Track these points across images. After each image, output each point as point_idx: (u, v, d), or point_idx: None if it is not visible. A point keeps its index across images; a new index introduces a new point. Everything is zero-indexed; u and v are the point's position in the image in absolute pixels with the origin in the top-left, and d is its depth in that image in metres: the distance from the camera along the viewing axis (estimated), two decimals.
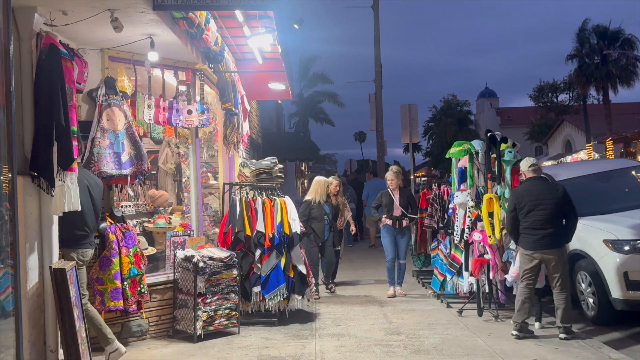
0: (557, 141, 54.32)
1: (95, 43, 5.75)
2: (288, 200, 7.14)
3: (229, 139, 8.30)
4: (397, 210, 8.47)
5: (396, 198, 8.50)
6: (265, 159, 8.33)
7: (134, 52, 6.11)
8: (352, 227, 9.67)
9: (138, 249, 5.99)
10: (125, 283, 5.78)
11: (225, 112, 8.03)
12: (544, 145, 64.71)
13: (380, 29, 18.39)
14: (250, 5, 4.81)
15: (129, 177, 5.84)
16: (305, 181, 33.02)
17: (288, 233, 6.90)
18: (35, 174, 4.49)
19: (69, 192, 4.62)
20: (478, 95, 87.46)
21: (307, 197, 8.61)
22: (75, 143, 4.70)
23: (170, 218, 7.27)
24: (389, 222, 8.48)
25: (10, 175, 3.60)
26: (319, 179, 8.76)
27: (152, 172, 9.39)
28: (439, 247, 8.49)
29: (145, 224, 7.03)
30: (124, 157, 5.81)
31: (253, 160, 8.90)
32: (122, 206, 7.00)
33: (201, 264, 6.16)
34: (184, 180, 7.31)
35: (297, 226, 7.00)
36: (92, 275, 5.75)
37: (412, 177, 17.39)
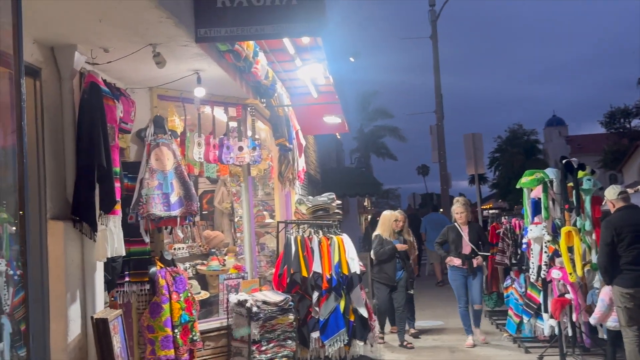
0: (633, 168, 51.90)
1: (143, 82, 5.61)
2: (346, 238, 6.71)
3: (284, 175, 8.01)
4: (467, 248, 7.62)
5: (465, 233, 7.68)
6: (322, 195, 7.97)
7: (182, 90, 5.94)
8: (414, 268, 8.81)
9: (189, 294, 5.69)
10: (176, 330, 5.47)
11: (279, 148, 7.76)
12: (618, 173, 61.63)
13: (439, 59, 17.97)
14: (296, 32, 4.51)
15: (178, 219, 5.58)
16: (369, 217, 32.45)
17: (347, 273, 6.46)
18: (77, 218, 4.29)
19: (111, 237, 4.38)
20: (545, 123, 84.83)
21: (376, 232, 8.03)
22: (118, 185, 4.48)
23: (224, 260, 6.97)
24: (458, 262, 7.65)
25: (24, 221, 3.37)
26: (386, 213, 8.17)
27: (205, 212, 9.22)
28: (513, 286, 7.82)
29: (199, 267, 6.75)
30: (173, 198, 5.57)
31: (310, 197, 8.56)
32: (175, 249, 6.77)
33: (255, 309, 5.80)
34: (236, 220, 7.04)
35: (356, 266, 6.55)
36: (142, 322, 5.49)
37: (479, 209, 16.65)
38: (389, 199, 60.41)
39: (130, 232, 5.52)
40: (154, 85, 5.72)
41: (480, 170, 10.79)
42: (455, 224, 7.88)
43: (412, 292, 8.14)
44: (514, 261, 7.81)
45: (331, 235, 6.68)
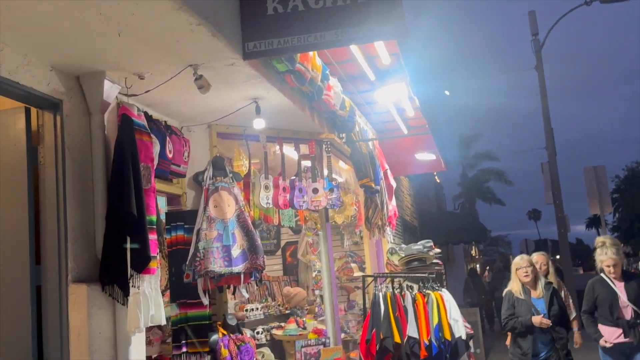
0: None
1: (196, 117, 4.89)
2: (447, 295, 5.52)
3: (372, 221, 6.98)
4: (627, 310, 5.48)
5: (621, 290, 5.52)
6: (418, 242, 6.83)
7: (245, 126, 5.17)
8: (578, 340, 6.37)
9: None
10: None
11: (364, 191, 6.78)
12: None
13: (547, 90, 16.42)
14: (364, 36, 3.58)
15: (242, 275, 4.70)
16: (478, 265, 30.38)
17: (449, 339, 5.23)
18: (106, 279, 3.51)
19: (145, 302, 3.54)
20: None
21: (508, 288, 5.98)
22: (153, 237, 3.68)
23: (304, 322, 6.00)
24: (616, 337, 5.43)
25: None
26: (517, 259, 6.04)
27: (289, 265, 8.34)
28: None
29: (274, 331, 5.81)
30: (235, 251, 4.70)
31: (403, 246, 7.45)
32: (247, 310, 5.89)
33: None
34: (314, 274, 6.06)
35: (461, 329, 5.32)
36: None
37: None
38: (499, 245, 57.24)
39: (187, 293, 4.73)
40: (210, 121, 4.98)
41: (607, 209, 9.20)
42: (604, 276, 5.68)
43: None
44: None
45: (428, 292, 5.52)
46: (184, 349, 4.66)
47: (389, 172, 7.69)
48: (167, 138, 4.38)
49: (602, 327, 5.59)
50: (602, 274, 5.68)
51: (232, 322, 4.82)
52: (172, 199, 4.98)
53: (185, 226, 4.86)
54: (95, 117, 3.70)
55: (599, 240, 5.76)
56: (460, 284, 16.07)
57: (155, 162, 3.91)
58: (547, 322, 5.51)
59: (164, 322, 3.76)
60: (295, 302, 6.70)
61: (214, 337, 4.68)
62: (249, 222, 4.85)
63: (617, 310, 5.50)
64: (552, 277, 6.06)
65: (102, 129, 3.72)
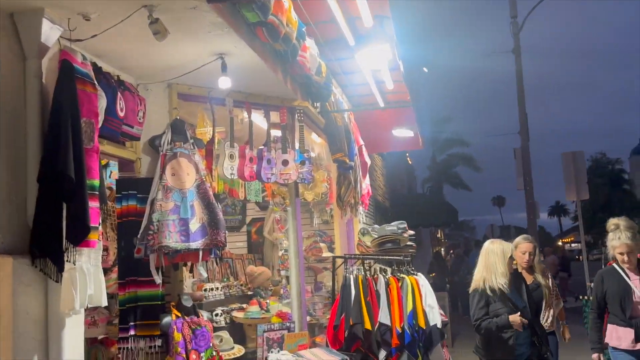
0: None
1: (155, 74, 4.35)
2: (422, 279, 5.15)
3: (344, 199, 6.55)
4: None
5: (636, 283, 4.62)
6: (391, 223, 6.44)
7: (210, 88, 4.65)
8: (565, 334, 5.75)
9: (214, 353, 4.30)
10: None
11: (337, 166, 6.34)
12: None
13: (523, 75, 16.17)
14: None
15: (200, 252, 4.22)
16: (443, 249, 30.34)
17: (424, 327, 4.87)
18: (38, 251, 2.99)
19: (83, 279, 3.05)
20: (631, 152, 79.90)
21: (475, 285, 4.72)
22: (95, 204, 3.17)
23: (267, 304, 5.55)
24: (630, 342, 4.53)
25: None
26: (493, 246, 4.76)
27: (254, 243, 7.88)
28: None
29: (234, 313, 5.36)
30: (194, 225, 4.22)
31: (376, 226, 7.06)
32: (206, 290, 5.42)
33: None
34: (280, 254, 5.61)
35: (436, 316, 4.96)
36: None
37: (561, 242, 14.78)
38: (463, 230, 57.77)
39: (138, 270, 4.25)
40: (170, 79, 4.44)
41: (584, 196, 8.94)
42: (616, 266, 4.76)
43: None
44: None
45: (402, 276, 5.13)
46: (132, 332, 4.19)
47: (364, 148, 7.26)
48: (119, 94, 3.85)
49: (614, 328, 4.67)
50: (614, 264, 4.79)
51: (188, 303, 4.34)
52: (124, 164, 4.46)
53: (138, 195, 4.36)
54: (31, 62, 3.15)
55: (611, 222, 4.83)
56: (426, 267, 15.91)
57: (101, 118, 3.38)
58: (524, 321, 4.48)
59: (104, 304, 3.28)
60: (259, 283, 6.25)
61: (167, 319, 4.21)
62: (210, 193, 4.37)
63: (630, 307, 4.57)
64: (538, 266, 5.45)
65: (39, 77, 3.18)
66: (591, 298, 5.02)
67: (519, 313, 4.48)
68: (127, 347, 4.17)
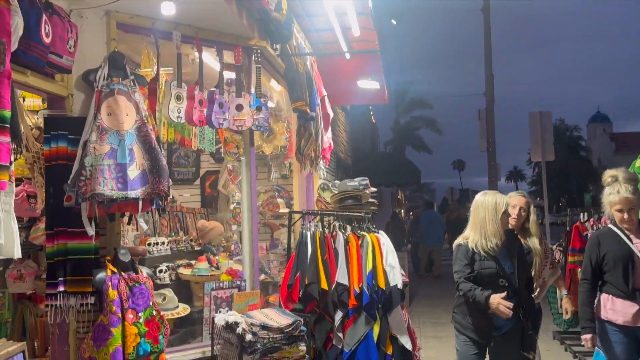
0: None
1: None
2: (384, 237, 4.82)
3: (304, 152, 6.14)
4: None
5: (638, 246, 3.99)
6: (353, 179, 6.09)
7: (154, 19, 4.12)
8: (567, 307, 5.03)
9: (154, 312, 3.90)
10: None
11: (297, 116, 5.91)
12: None
13: (491, 35, 15.87)
14: None
15: (140, 202, 3.77)
16: (402, 211, 30.42)
17: (383, 287, 4.56)
18: None
19: None
20: (589, 120, 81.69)
21: (465, 239, 4.18)
22: (6, 139, 2.69)
23: (217, 261, 5.17)
24: (631, 317, 3.96)
25: None
26: (484, 199, 4.14)
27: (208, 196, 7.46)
28: None
29: (181, 270, 4.96)
30: (133, 172, 3.76)
31: (336, 182, 6.71)
32: (150, 244, 4.99)
33: (249, 337, 3.97)
34: (232, 207, 5.19)
35: (397, 277, 4.65)
36: (82, 353, 3.74)
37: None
38: (423, 192, 58.26)
39: (68, 220, 3.79)
40: (107, 4, 3.89)
41: (550, 157, 8.76)
42: (613, 227, 4.13)
43: (531, 357, 4.16)
44: None
45: (363, 233, 4.79)
46: (62, 288, 3.76)
47: (326, 99, 6.82)
48: (44, 17, 3.32)
49: (609, 299, 4.04)
50: (610, 225, 4.17)
51: (125, 258, 3.91)
52: (54, 100, 3.94)
53: (70, 136, 3.86)
54: None
55: (608, 174, 4.19)
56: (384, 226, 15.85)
57: (15, 38, 2.86)
58: (508, 305, 3.84)
59: (17, 256, 2.83)
60: (209, 238, 5.86)
61: (100, 275, 3.78)
62: (153, 137, 3.90)
63: (635, 275, 3.93)
64: (533, 227, 4.65)
65: None
66: (583, 265, 4.25)
67: (504, 294, 3.85)
68: (56, 305, 3.74)
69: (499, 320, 4.01)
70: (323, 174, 6.80)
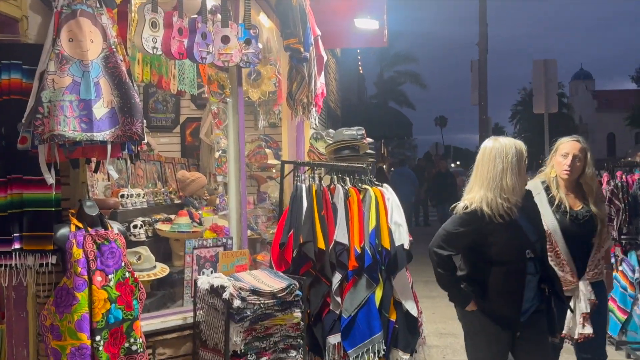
0: None
1: None
2: (388, 192, 4.31)
3: (296, 97, 5.54)
4: None
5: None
6: (350, 128, 5.54)
7: None
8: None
9: (127, 274, 3.36)
10: (98, 337, 3.18)
11: (289, 56, 5.29)
12: None
13: None
14: None
15: (109, 146, 3.18)
16: (385, 166, 30.05)
17: (388, 247, 4.07)
18: None
19: None
20: (572, 77, 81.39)
21: (471, 201, 3.26)
22: None
23: (200, 216, 4.63)
24: None
25: None
26: (499, 145, 3.25)
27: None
28: (620, 269, 5.46)
29: (159, 225, 4.41)
30: (99, 110, 3.16)
31: (330, 131, 6.15)
32: (124, 196, 4.42)
33: (237, 303, 3.46)
34: (216, 156, 4.60)
35: (404, 236, 4.17)
36: (42, 320, 3.22)
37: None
38: (405, 149, 57.97)
39: (23, 165, 3.21)
40: None
41: (553, 109, 8.26)
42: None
43: (557, 339, 3.54)
44: (624, 233, 5.40)
45: (365, 187, 4.27)
46: (17, 245, 3.20)
47: (320, 40, 6.18)
48: None
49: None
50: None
51: (93, 211, 3.35)
52: (5, 23, 3.29)
53: (24, 67, 3.25)
54: None
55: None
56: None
57: None
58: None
59: None
60: (191, 190, 5.30)
61: (63, 230, 3.23)
62: (123, 69, 3.27)
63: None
64: (591, 182, 3.72)
65: None
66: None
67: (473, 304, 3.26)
68: (11, 265, 3.19)
69: (522, 304, 3.23)
70: (315, 123, 6.22)
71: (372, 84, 42.29)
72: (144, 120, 3.32)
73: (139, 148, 3.45)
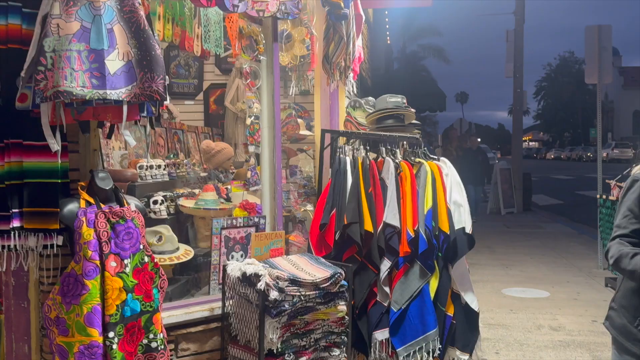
0: None
1: None
2: (447, 167, 3.73)
3: (332, 60, 4.95)
4: None
5: None
6: (395, 95, 4.94)
7: None
8: None
9: (147, 258, 2.86)
10: (111, 334, 2.69)
11: (327, 12, 4.69)
12: None
13: None
14: None
15: (125, 107, 2.64)
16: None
17: (447, 231, 3.51)
18: None
19: None
20: None
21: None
22: None
23: (228, 191, 4.09)
24: None
25: None
26: None
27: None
28: None
29: (182, 201, 3.89)
30: (114, 63, 2.62)
31: (370, 99, 5.56)
32: (143, 167, 3.91)
33: (274, 294, 2.94)
34: (248, 122, 4.04)
35: (465, 218, 3.60)
36: (46, 311, 2.73)
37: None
38: (426, 125, 56.94)
39: (24, 128, 2.70)
40: None
41: (608, 79, 7.56)
42: None
43: None
44: None
45: (419, 160, 3.70)
46: (16, 223, 2.72)
47: None
48: None
49: None
50: None
51: (106, 184, 2.83)
52: None
53: (25, 10, 2.75)
54: None
55: None
56: None
57: None
58: None
59: None
60: (217, 162, 4.77)
61: (71, 206, 2.74)
62: (142, 14, 2.72)
63: None
64: None
65: None
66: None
67: None
68: (10, 246, 2.70)
69: None
70: (352, 90, 5.63)
71: (393, 59, 41.37)
72: (167, 77, 2.78)
73: (160, 110, 2.92)
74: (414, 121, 4.90)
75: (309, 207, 5.69)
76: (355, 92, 5.68)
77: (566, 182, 24.37)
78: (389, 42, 15.18)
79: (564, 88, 66.20)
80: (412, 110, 4.99)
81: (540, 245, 9.27)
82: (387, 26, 14.31)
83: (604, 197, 6.63)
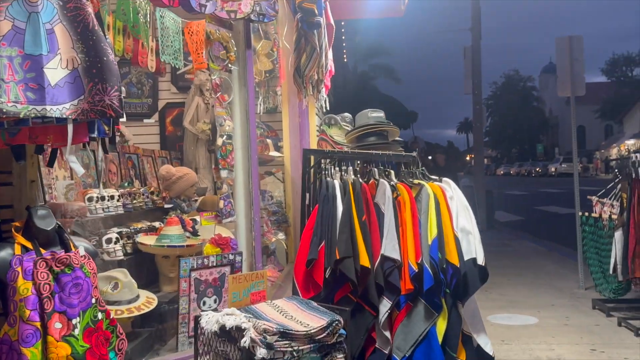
0: (634, 118, 50.71)
1: None
2: (451, 189, 3.28)
3: (305, 72, 4.50)
4: None
5: None
6: (373, 109, 4.51)
7: None
8: None
9: (100, 314, 2.28)
10: None
11: (298, 20, 4.26)
12: (616, 124, 59.21)
13: None
14: None
15: (70, 126, 2.08)
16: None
17: (456, 264, 3.04)
18: None
19: None
20: (541, 70, 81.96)
21: None
22: None
23: (193, 224, 3.53)
24: None
25: None
26: None
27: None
28: None
29: (141, 238, 3.30)
30: (55, 72, 2.07)
31: (347, 115, 5.14)
32: (92, 199, 3.31)
33: (262, 353, 2.39)
34: (220, 143, 3.48)
35: (475, 248, 3.14)
36: None
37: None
38: None
39: None
40: None
41: (580, 92, 7.35)
42: None
43: None
44: None
45: (418, 182, 3.24)
46: None
47: (328, 6, 5.14)
48: None
49: None
50: None
51: (48, 223, 2.25)
52: None
53: None
54: None
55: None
56: None
57: None
58: None
59: None
60: (178, 190, 4.20)
61: (2, 253, 2.14)
62: (90, 11, 2.18)
63: None
64: None
65: None
66: None
67: None
68: None
69: None
70: (325, 106, 5.17)
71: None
72: (122, 89, 2.23)
73: (115, 129, 2.36)
74: (397, 138, 4.47)
75: (281, 236, 5.16)
76: (328, 107, 5.22)
77: (522, 198, 24.51)
78: (345, 60, 14.85)
79: (511, 105, 67.94)
80: (396, 127, 4.55)
81: (512, 265, 8.97)
82: (344, 44, 14.01)
83: (587, 214, 6.35)
